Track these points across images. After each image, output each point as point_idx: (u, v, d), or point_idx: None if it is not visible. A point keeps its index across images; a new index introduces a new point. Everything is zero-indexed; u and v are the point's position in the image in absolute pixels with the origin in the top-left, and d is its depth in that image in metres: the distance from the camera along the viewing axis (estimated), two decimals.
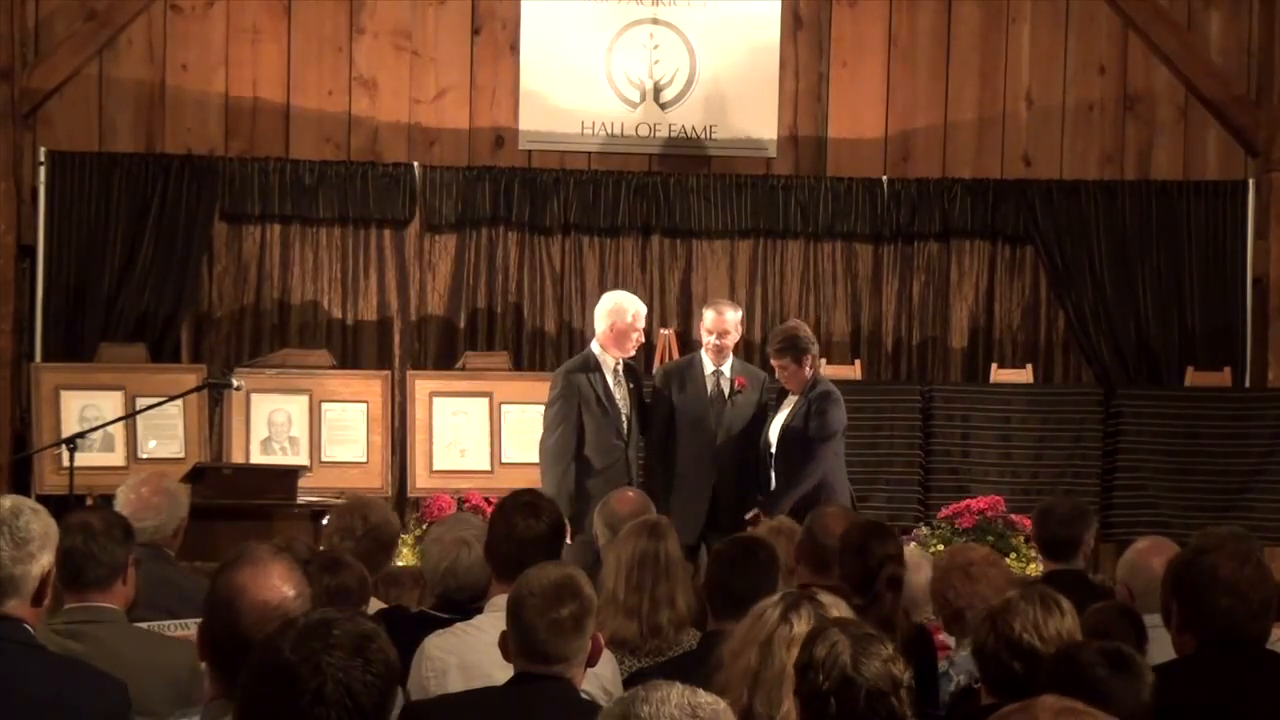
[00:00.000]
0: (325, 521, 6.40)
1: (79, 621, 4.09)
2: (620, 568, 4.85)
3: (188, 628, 4.31)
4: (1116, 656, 3.29)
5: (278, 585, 2.96)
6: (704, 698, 2.26)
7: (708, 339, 8.09)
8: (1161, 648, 4.20)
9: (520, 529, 4.55)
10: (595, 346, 8.06)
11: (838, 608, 3.39)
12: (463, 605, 4.88)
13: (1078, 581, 5.51)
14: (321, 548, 5.70)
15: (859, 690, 2.95)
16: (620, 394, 7.99)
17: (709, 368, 8.09)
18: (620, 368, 8.04)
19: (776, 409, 8.11)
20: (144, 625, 4.41)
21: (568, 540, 7.65)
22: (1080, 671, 3.23)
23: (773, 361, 8.03)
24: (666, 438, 8.01)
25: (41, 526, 3.56)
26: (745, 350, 10.07)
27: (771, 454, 8.03)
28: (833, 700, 2.96)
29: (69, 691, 3.48)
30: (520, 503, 4.66)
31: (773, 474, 7.99)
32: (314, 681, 2.38)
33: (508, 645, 3.73)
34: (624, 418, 7.97)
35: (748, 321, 10.23)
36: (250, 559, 3.01)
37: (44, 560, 3.55)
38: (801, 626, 3.29)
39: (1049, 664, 3.35)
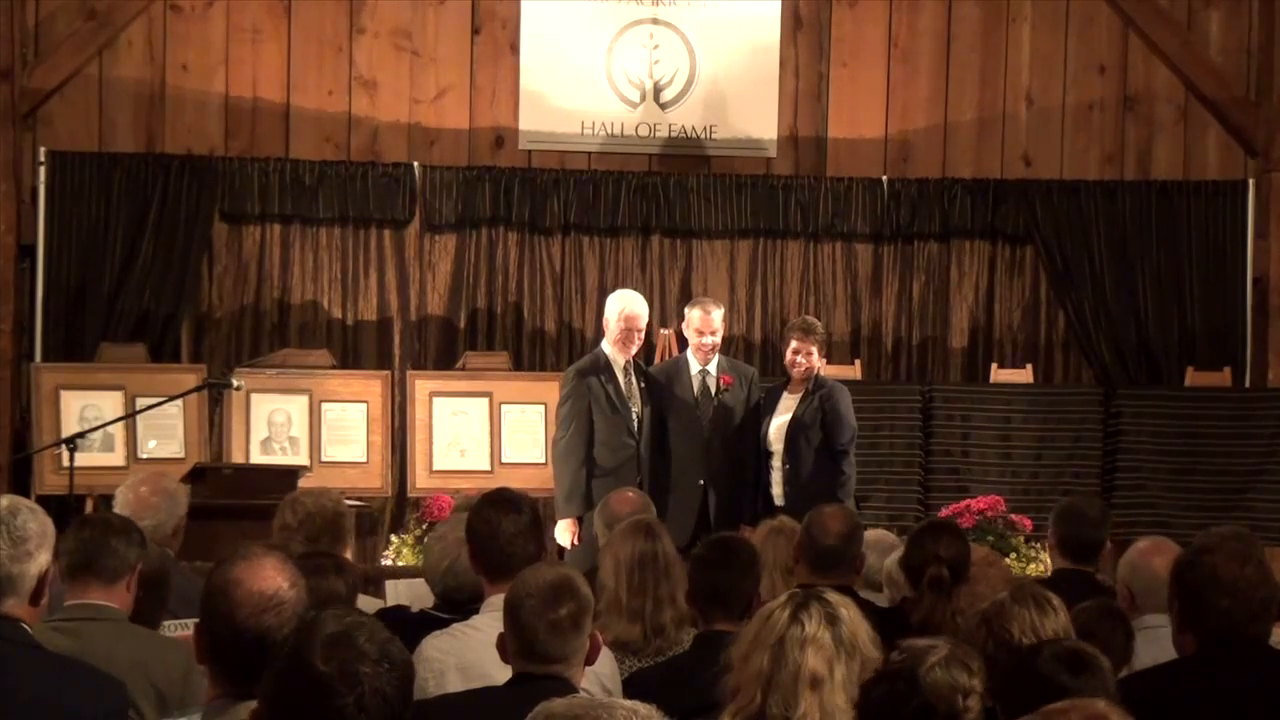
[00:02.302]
0: None
1: (79, 619, 4.09)
2: (620, 571, 4.85)
3: (187, 628, 4.31)
4: (1075, 658, 3.27)
5: (273, 576, 2.99)
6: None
7: (696, 339, 8.11)
8: (1163, 647, 4.19)
9: (504, 527, 4.54)
10: (606, 345, 8.09)
11: (846, 606, 3.39)
12: (462, 605, 4.88)
13: (1087, 581, 5.51)
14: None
15: (917, 692, 2.88)
16: (631, 392, 8.02)
17: (695, 368, 8.12)
18: (630, 366, 8.07)
19: (772, 406, 8.12)
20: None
21: (575, 541, 7.74)
22: (1043, 679, 3.21)
23: (795, 342, 8.04)
24: (656, 440, 8.03)
25: (39, 525, 3.57)
26: (744, 349, 10.09)
27: (771, 451, 8.05)
28: (888, 683, 2.91)
29: (68, 691, 3.48)
30: (496, 502, 4.65)
31: (776, 472, 8.00)
32: (353, 693, 2.44)
33: (506, 646, 3.73)
34: (635, 416, 8.00)
35: (747, 321, 10.25)
36: (243, 555, 3.03)
37: (41, 559, 3.55)
38: (813, 627, 3.29)
39: (1008, 672, 3.32)
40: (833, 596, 3.40)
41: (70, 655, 3.78)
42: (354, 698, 2.43)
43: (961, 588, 4.71)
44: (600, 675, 4.20)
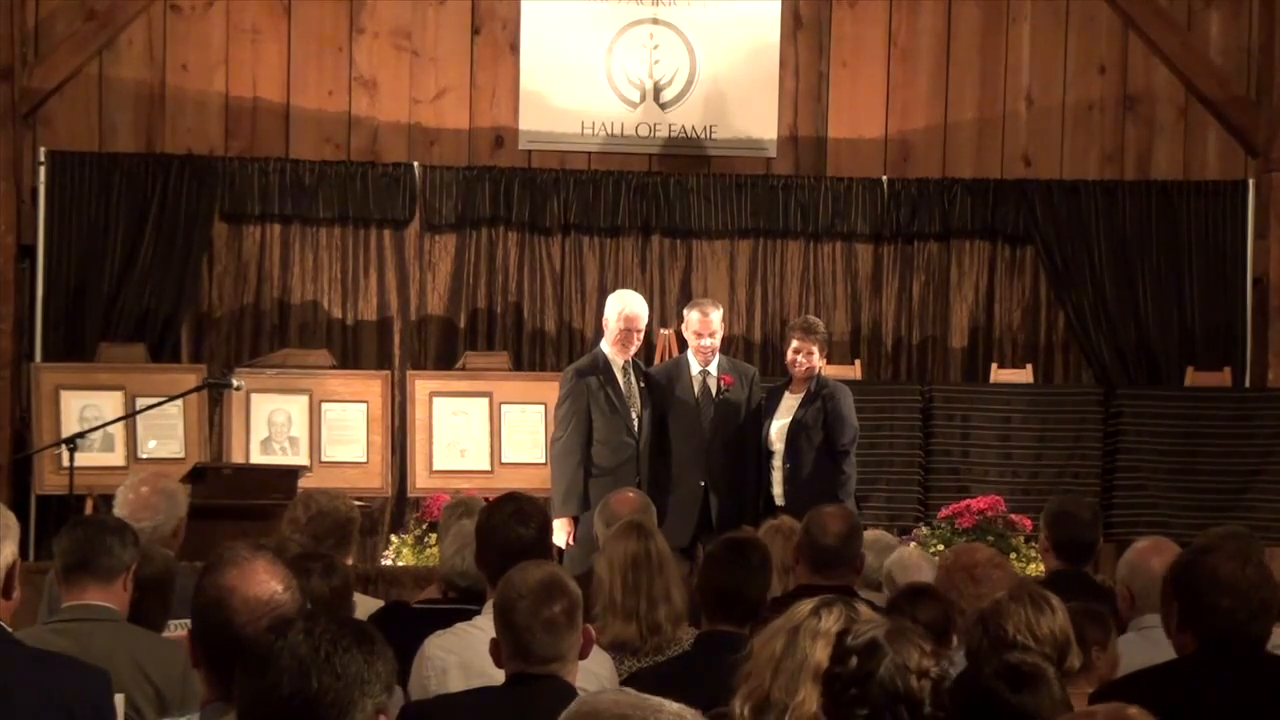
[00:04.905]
0: None
1: (77, 620, 4.08)
2: (614, 572, 4.85)
3: (186, 627, 4.30)
4: (1015, 674, 3.27)
5: (265, 580, 2.98)
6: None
7: (695, 340, 8.11)
8: (1163, 647, 4.19)
9: (512, 538, 4.55)
10: (605, 345, 8.10)
11: (870, 615, 3.40)
12: (461, 591, 4.89)
13: (1083, 582, 5.52)
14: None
15: (883, 656, 2.93)
16: (630, 392, 8.02)
17: (695, 368, 8.12)
18: (630, 366, 8.07)
19: (773, 407, 8.12)
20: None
21: (570, 541, 7.74)
22: (986, 693, 3.22)
23: (797, 341, 8.05)
24: (657, 441, 8.03)
25: (2, 519, 3.55)
26: (744, 349, 10.09)
27: (772, 451, 8.05)
28: (854, 658, 2.94)
29: (51, 683, 3.46)
30: (508, 512, 4.65)
31: (777, 472, 8.01)
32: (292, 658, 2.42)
33: (499, 650, 3.73)
34: (634, 415, 8.00)
35: (747, 321, 10.25)
36: (233, 559, 3.01)
37: (5, 552, 3.53)
38: (829, 622, 3.30)
39: (956, 684, 3.33)
40: (861, 606, 3.42)
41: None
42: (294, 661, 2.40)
43: (945, 653, 4.68)
44: (599, 676, 4.20)
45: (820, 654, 3.26)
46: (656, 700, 2.32)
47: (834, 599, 3.41)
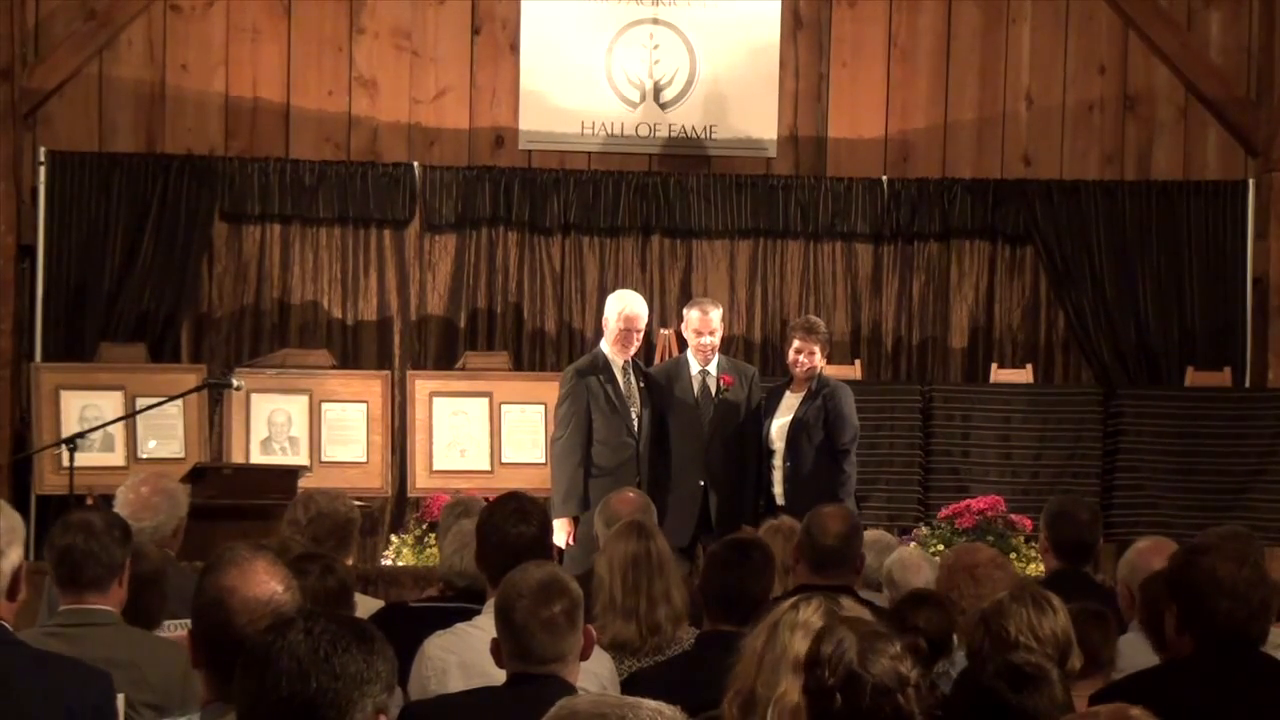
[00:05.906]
0: None
1: (75, 624, 4.08)
2: (614, 571, 4.86)
3: (186, 627, 4.31)
4: (1018, 674, 3.27)
5: (266, 581, 2.98)
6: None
7: (694, 339, 8.12)
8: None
9: (512, 536, 4.56)
10: (605, 345, 8.10)
11: (854, 609, 3.40)
12: (467, 590, 4.89)
13: (1082, 581, 5.52)
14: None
15: (865, 686, 2.94)
16: (630, 392, 8.02)
17: (695, 368, 8.12)
18: (629, 366, 8.08)
19: (774, 406, 8.13)
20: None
21: (570, 541, 7.74)
22: (987, 693, 3.22)
23: (798, 341, 8.06)
24: (657, 441, 8.03)
25: (8, 522, 3.56)
26: (744, 349, 10.09)
27: (773, 450, 8.06)
28: (838, 696, 2.95)
29: (54, 686, 3.47)
30: (509, 510, 4.66)
31: (777, 471, 8.01)
32: (287, 659, 2.40)
33: (499, 650, 3.73)
34: (634, 415, 8.01)
35: (747, 321, 10.25)
36: (233, 559, 3.02)
37: (13, 555, 3.54)
38: (808, 614, 3.31)
39: (956, 692, 3.33)
40: (846, 601, 3.42)
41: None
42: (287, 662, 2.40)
43: (942, 660, 4.67)
44: (600, 676, 4.20)
45: (799, 645, 3.26)
46: (634, 699, 2.33)
47: (815, 595, 3.42)
